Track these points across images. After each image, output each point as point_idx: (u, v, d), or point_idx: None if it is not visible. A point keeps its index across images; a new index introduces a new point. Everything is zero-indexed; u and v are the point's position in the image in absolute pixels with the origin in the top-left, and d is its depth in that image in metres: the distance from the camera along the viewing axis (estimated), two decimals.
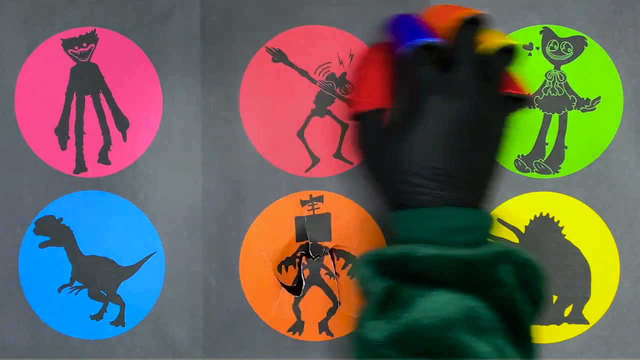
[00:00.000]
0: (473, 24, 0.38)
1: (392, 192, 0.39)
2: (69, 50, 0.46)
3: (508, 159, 0.46)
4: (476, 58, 0.38)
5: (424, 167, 0.37)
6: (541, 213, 0.46)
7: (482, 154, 0.39)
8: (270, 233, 0.46)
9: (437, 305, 0.35)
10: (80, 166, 0.46)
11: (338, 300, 0.46)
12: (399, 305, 0.36)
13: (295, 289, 0.46)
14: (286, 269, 0.46)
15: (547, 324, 0.45)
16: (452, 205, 0.37)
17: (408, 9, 0.45)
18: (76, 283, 0.46)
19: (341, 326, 0.46)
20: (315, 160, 0.46)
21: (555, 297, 0.45)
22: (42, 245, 0.46)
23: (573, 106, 0.46)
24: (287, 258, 0.46)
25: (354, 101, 0.42)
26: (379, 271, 0.37)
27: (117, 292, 0.46)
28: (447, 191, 0.37)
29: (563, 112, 0.46)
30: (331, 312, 0.46)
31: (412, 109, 0.38)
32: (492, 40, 0.38)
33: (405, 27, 0.39)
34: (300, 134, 0.46)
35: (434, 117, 0.37)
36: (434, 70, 0.38)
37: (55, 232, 0.46)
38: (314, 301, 0.46)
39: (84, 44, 0.46)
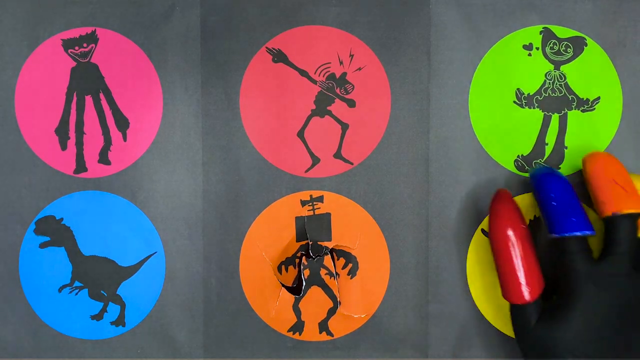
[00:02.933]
0: (630, 219, 0.39)
1: None
2: (69, 51, 0.46)
3: (508, 159, 0.46)
4: (631, 250, 0.39)
5: (580, 351, 0.38)
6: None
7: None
8: (270, 233, 0.46)
9: None
10: (81, 166, 0.46)
11: (338, 300, 0.46)
12: None
13: (296, 289, 0.46)
14: (286, 269, 0.46)
15: None
16: None
17: (408, 9, 0.45)
18: (76, 283, 0.46)
19: (341, 326, 0.46)
20: (315, 161, 0.46)
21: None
22: (43, 245, 0.46)
23: (573, 106, 0.46)
24: (287, 258, 0.46)
25: (513, 291, 0.41)
26: None
27: (117, 292, 0.46)
28: None
29: (563, 112, 0.46)
30: (331, 312, 0.46)
31: (566, 293, 0.39)
32: None
33: (560, 202, 0.39)
34: (301, 134, 0.46)
35: (588, 305, 0.38)
36: (588, 259, 0.39)
37: (55, 232, 0.46)
38: (314, 301, 0.46)
39: (84, 44, 0.46)
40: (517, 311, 0.41)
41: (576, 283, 0.39)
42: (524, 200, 0.46)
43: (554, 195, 0.40)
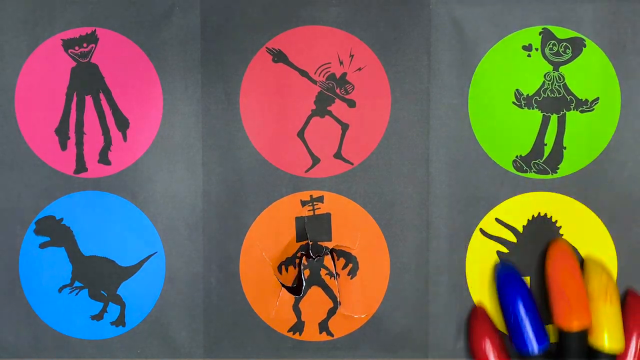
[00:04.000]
0: (580, 333, 0.42)
1: None
2: (69, 51, 0.46)
3: (506, 159, 0.46)
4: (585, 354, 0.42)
5: None
6: (539, 213, 0.46)
7: None
8: (270, 233, 0.46)
9: None
10: (81, 166, 0.46)
11: (338, 300, 0.46)
12: None
13: (296, 289, 0.46)
14: (286, 269, 0.46)
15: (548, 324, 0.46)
16: None
17: (408, 9, 0.45)
18: (76, 283, 0.46)
19: (341, 326, 0.46)
20: (315, 161, 0.46)
21: None
22: (43, 245, 0.46)
23: (572, 107, 0.46)
24: (287, 258, 0.46)
25: None
26: None
27: (117, 292, 0.46)
28: None
29: (562, 113, 0.46)
30: (331, 312, 0.46)
31: None
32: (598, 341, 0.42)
33: (518, 316, 0.43)
34: (301, 134, 0.46)
35: None
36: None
37: (55, 232, 0.46)
38: (314, 301, 0.46)
39: (84, 44, 0.46)
40: None
41: None
42: (522, 200, 0.46)
43: (513, 310, 0.43)
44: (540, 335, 0.42)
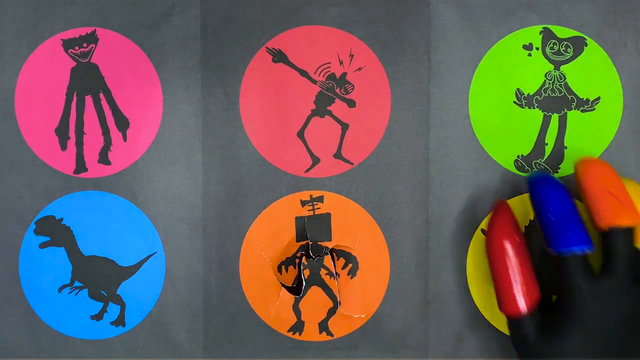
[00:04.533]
0: (627, 232, 0.39)
1: None
2: (69, 51, 0.46)
3: (508, 159, 0.46)
4: (629, 264, 0.38)
5: None
6: None
7: None
8: (270, 233, 0.46)
9: None
10: (81, 166, 0.46)
11: (338, 300, 0.46)
12: None
13: (296, 289, 0.46)
14: (286, 269, 0.46)
15: None
16: None
17: (408, 8, 0.45)
18: (76, 283, 0.46)
19: (341, 326, 0.46)
20: (315, 161, 0.46)
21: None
22: (43, 245, 0.46)
23: (573, 106, 0.46)
24: (287, 258, 0.46)
25: (508, 303, 0.40)
26: None
27: (117, 292, 0.46)
28: None
29: (563, 112, 0.46)
30: (331, 312, 0.46)
31: (566, 309, 0.38)
32: None
33: (557, 216, 0.38)
34: (301, 134, 0.46)
35: (589, 321, 0.38)
36: (587, 274, 0.38)
37: (55, 232, 0.46)
38: (314, 301, 0.46)
39: (84, 44, 0.46)
40: (515, 326, 0.40)
41: (577, 299, 0.38)
42: (523, 201, 0.46)
43: (552, 208, 0.39)
44: (585, 234, 0.38)
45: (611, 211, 0.38)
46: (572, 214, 0.38)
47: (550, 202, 0.39)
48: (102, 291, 0.46)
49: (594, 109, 0.46)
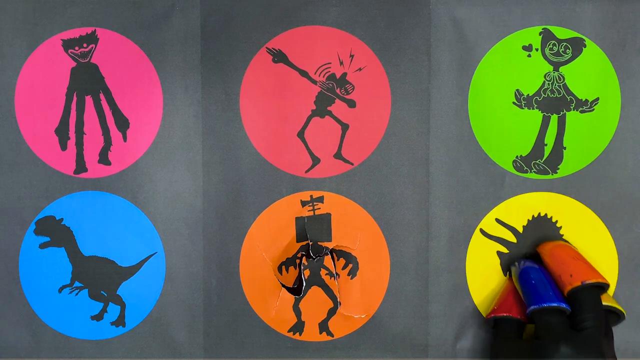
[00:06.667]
0: (598, 288, 0.42)
1: None
2: (69, 51, 0.46)
3: (507, 159, 0.46)
4: (599, 317, 0.41)
5: None
6: (539, 213, 0.46)
7: None
8: (270, 233, 0.46)
9: None
10: (81, 166, 0.46)
11: (338, 300, 0.46)
12: None
13: (296, 290, 0.46)
14: (286, 270, 0.46)
15: None
16: None
17: (408, 9, 0.45)
18: (76, 283, 0.46)
19: (341, 326, 0.46)
20: (315, 161, 0.46)
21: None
22: (43, 245, 0.46)
23: (572, 107, 0.46)
24: (287, 258, 0.46)
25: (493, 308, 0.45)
26: None
27: (117, 293, 0.46)
28: None
29: (562, 113, 0.46)
30: (331, 312, 0.46)
31: (545, 353, 0.41)
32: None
33: (537, 281, 0.43)
34: (301, 135, 0.46)
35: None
36: (563, 325, 0.41)
37: (55, 232, 0.46)
38: (314, 301, 0.46)
39: (84, 44, 0.46)
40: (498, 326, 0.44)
41: (554, 346, 0.40)
42: (523, 201, 0.46)
43: (533, 276, 0.43)
44: (561, 297, 0.42)
45: (582, 270, 0.42)
46: (550, 282, 0.43)
47: (532, 275, 0.44)
48: (102, 291, 0.46)
49: (593, 109, 0.46)
